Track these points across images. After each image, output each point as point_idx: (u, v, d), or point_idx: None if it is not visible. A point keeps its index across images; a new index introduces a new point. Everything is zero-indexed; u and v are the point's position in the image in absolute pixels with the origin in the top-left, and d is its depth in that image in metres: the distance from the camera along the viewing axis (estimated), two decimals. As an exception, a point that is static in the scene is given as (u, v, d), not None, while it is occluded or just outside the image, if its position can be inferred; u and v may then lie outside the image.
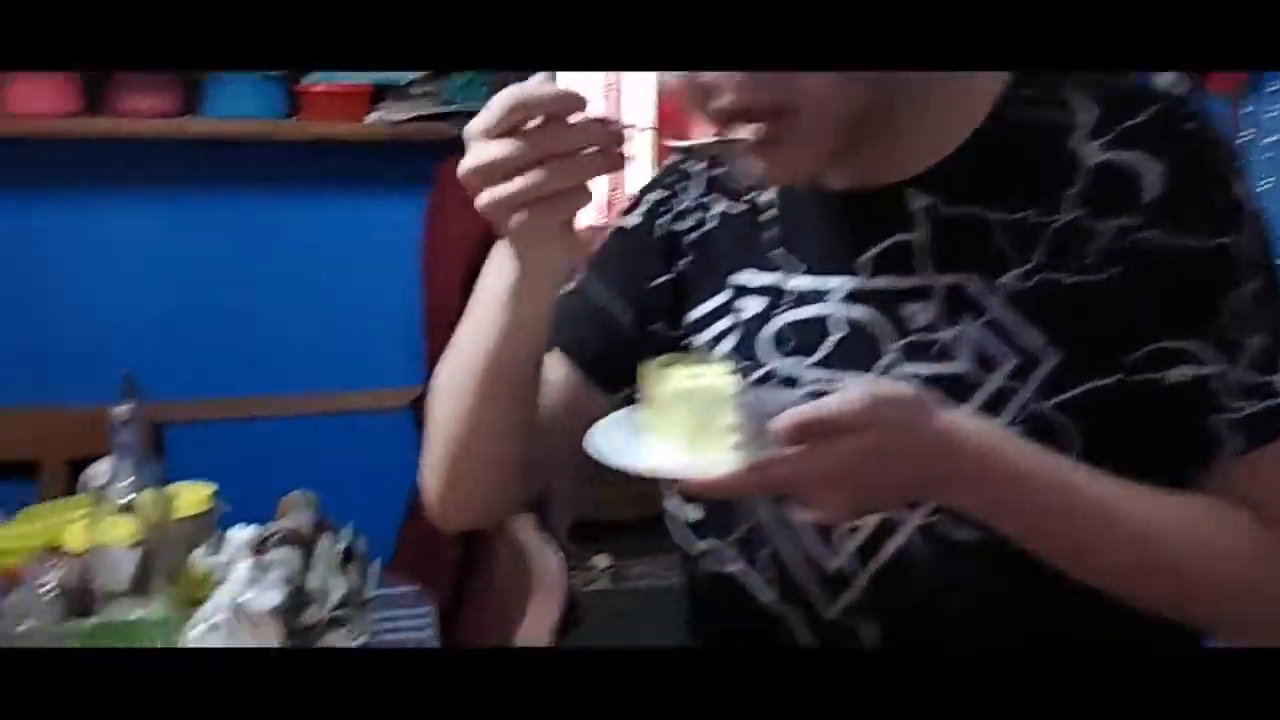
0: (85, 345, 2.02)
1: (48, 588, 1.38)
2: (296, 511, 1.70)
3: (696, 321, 0.99)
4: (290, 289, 2.09)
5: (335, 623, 1.51)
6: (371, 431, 2.11)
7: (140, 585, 1.40)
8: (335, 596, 1.54)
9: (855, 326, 0.90)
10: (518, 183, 0.76)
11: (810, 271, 0.93)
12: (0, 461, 1.95)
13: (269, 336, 2.09)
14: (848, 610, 0.88)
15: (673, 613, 3.54)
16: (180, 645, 1.38)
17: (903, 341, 0.88)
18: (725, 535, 0.93)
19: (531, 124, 0.76)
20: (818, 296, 0.92)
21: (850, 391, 0.73)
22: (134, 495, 1.39)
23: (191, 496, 1.53)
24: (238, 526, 1.56)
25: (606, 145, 0.77)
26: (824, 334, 0.91)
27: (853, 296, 0.90)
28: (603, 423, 0.81)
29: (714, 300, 0.98)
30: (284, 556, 1.52)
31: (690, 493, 0.78)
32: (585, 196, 0.78)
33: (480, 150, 0.76)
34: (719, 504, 0.93)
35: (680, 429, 0.77)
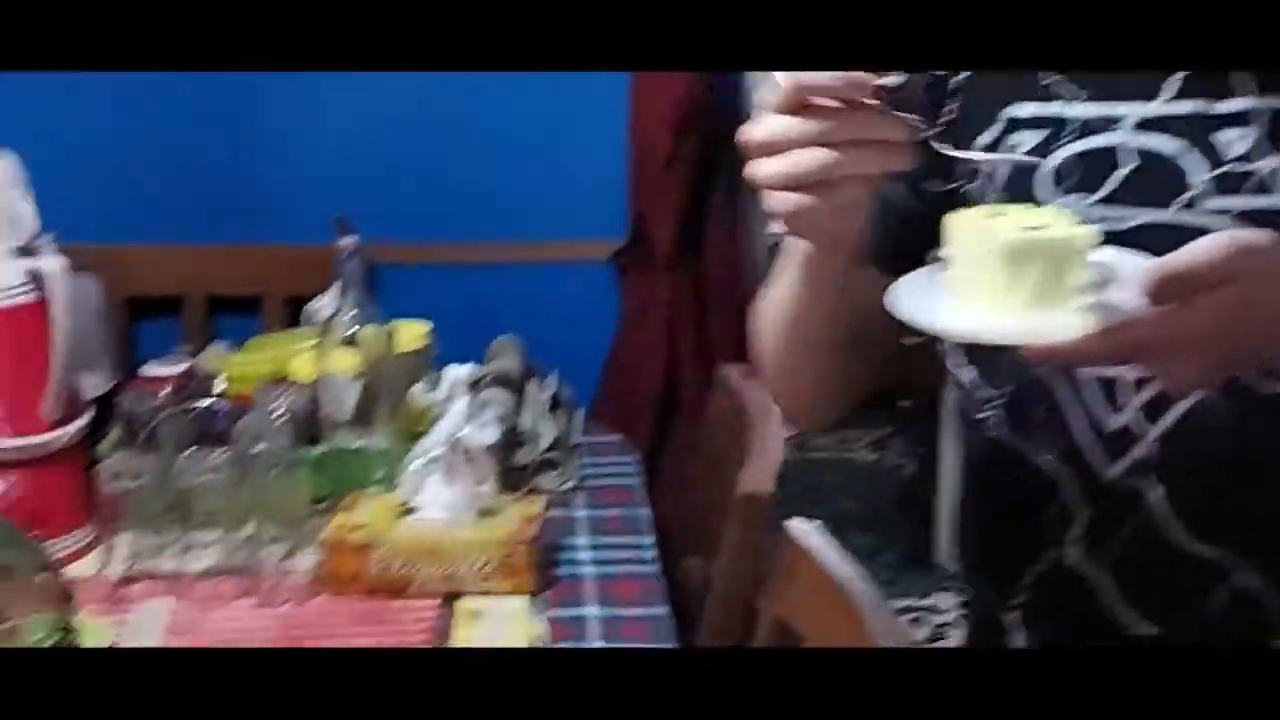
0: (304, 188, 2.06)
1: (278, 413, 1.43)
2: (505, 355, 1.71)
3: (967, 167, 0.93)
4: (498, 136, 2.08)
5: (547, 465, 1.53)
6: (574, 281, 2.11)
7: (363, 416, 1.44)
8: (546, 440, 1.55)
9: (1151, 157, 0.82)
10: (791, 161, 0.72)
11: (1095, 98, 0.85)
12: (226, 296, 2.03)
13: (476, 183, 2.10)
14: (1130, 471, 0.83)
15: (854, 484, 3.52)
16: (400, 477, 1.42)
17: (1213, 173, 0.80)
18: (996, 396, 0.89)
19: (823, 103, 0.72)
20: (1105, 125, 0.84)
21: (1211, 241, 0.66)
22: (357, 328, 1.42)
23: (410, 333, 1.56)
24: (453, 365, 1.58)
25: (894, 139, 0.72)
26: (1112, 166, 0.84)
27: (1149, 124, 0.83)
28: (906, 286, 0.74)
29: (984, 138, 0.91)
30: (497, 397, 1.54)
31: (1032, 360, 0.73)
32: (860, 188, 0.73)
33: (765, 122, 0.73)
34: (989, 362, 0.88)
35: (1018, 288, 0.69)
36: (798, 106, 0.72)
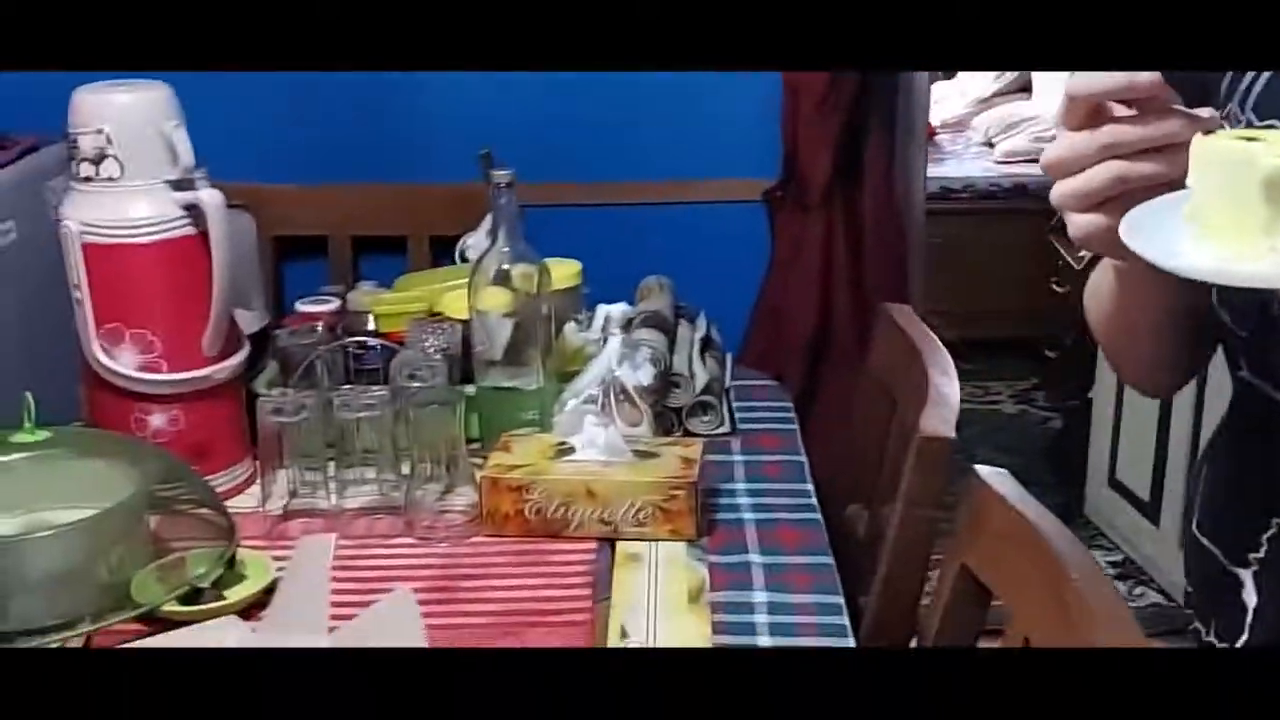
0: (449, 127, 2.02)
1: (433, 350, 1.41)
2: (655, 296, 1.67)
3: (1228, 85, 0.84)
4: (648, 73, 2.02)
5: (702, 407, 1.49)
6: (722, 221, 2.04)
7: (515, 355, 1.40)
8: (700, 382, 1.51)
9: None
10: (1084, 179, 0.68)
11: None
12: (370, 235, 2.02)
13: (625, 120, 2.04)
14: None
15: (999, 435, 3.38)
16: (554, 417, 1.38)
17: None
18: (1242, 335, 0.81)
19: (1114, 110, 0.67)
20: None
21: None
22: (509, 266, 1.38)
23: (561, 271, 1.51)
24: (605, 304, 1.54)
25: (1189, 137, 0.66)
26: None
27: None
28: (1143, 216, 0.66)
29: None
30: (650, 338, 1.50)
31: None
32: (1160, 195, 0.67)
33: (1058, 140, 0.70)
34: (1233, 299, 0.81)
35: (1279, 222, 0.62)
36: (1087, 118, 0.68)
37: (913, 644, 1.15)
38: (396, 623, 0.94)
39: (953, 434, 1.08)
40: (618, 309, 1.50)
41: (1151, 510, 2.55)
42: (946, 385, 1.15)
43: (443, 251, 1.90)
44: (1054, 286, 3.21)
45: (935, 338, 1.29)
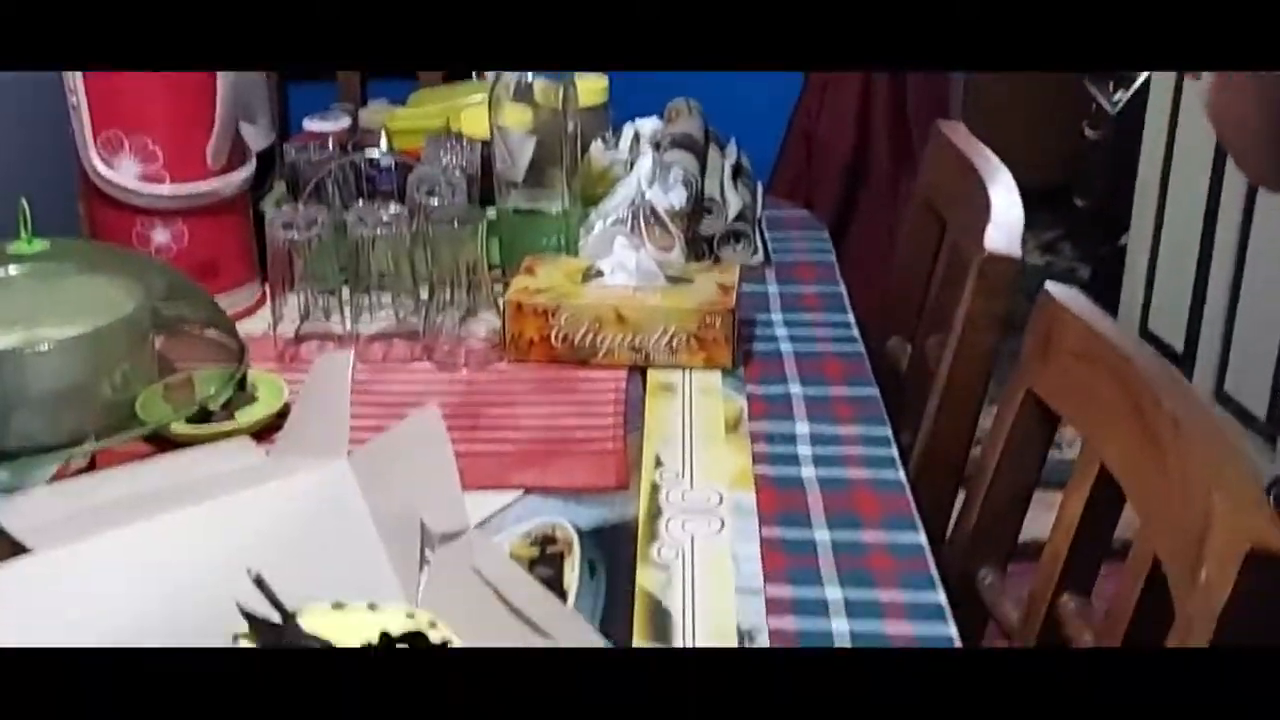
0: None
1: (450, 167, 1.32)
2: (684, 119, 1.57)
3: None
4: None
5: (734, 236, 1.41)
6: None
7: (537, 175, 1.32)
8: (732, 209, 1.42)
9: None
10: None
11: None
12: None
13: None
14: None
15: (1025, 285, 3.31)
16: (582, 240, 1.31)
17: None
18: None
19: None
20: None
21: None
22: (531, 80, 1.29)
23: (587, 86, 1.41)
24: (634, 121, 1.45)
25: None
26: None
27: None
28: None
29: None
30: (682, 159, 1.41)
31: None
32: None
33: None
34: None
35: None
36: None
37: (960, 491, 1.09)
38: (422, 443, 0.87)
39: (1019, 253, 1.00)
40: (648, 125, 1.41)
41: (1185, 362, 2.48)
42: (1009, 204, 1.07)
43: (452, 77, 1.79)
44: (1086, 132, 3.09)
45: (994, 156, 1.20)
